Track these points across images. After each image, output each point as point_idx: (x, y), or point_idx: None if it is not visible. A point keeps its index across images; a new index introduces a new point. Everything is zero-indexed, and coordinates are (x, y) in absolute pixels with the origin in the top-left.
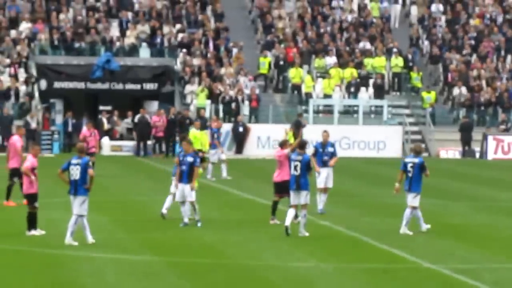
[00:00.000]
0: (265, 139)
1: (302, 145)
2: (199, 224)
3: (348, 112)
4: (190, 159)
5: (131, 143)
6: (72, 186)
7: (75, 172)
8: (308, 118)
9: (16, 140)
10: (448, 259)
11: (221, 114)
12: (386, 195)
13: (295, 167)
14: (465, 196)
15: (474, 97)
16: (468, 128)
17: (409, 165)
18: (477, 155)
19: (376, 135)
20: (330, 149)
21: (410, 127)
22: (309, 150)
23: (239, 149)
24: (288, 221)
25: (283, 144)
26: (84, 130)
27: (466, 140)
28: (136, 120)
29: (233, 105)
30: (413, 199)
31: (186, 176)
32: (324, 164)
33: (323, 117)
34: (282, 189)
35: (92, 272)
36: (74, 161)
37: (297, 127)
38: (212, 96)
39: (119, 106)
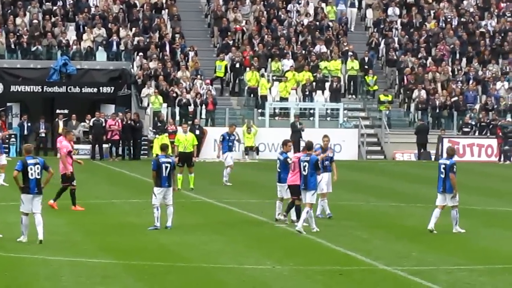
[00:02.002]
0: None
1: (310, 146)
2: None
3: (304, 115)
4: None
5: (87, 146)
6: (34, 185)
7: (36, 172)
8: (264, 122)
9: None
10: (404, 261)
11: (177, 117)
12: (342, 198)
13: (304, 167)
14: (420, 198)
15: (430, 100)
16: (423, 130)
17: (442, 166)
18: (433, 157)
19: (332, 138)
20: (330, 154)
21: (366, 130)
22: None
23: (196, 152)
24: (313, 223)
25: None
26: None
27: (421, 143)
28: (91, 123)
29: (190, 108)
30: (451, 200)
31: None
32: (325, 169)
33: (279, 120)
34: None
35: (49, 275)
36: (31, 161)
37: (293, 131)
38: (168, 99)
39: (76, 109)
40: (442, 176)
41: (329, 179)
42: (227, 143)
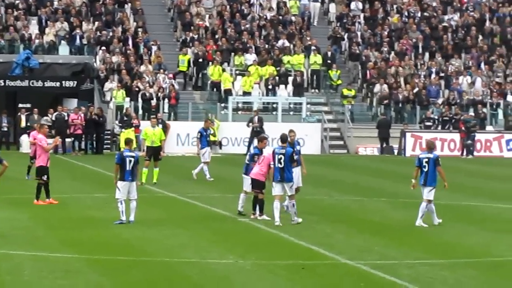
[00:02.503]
0: (185, 136)
1: (284, 139)
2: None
3: (267, 110)
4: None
5: (50, 141)
6: None
7: None
8: (227, 116)
9: None
10: (366, 255)
11: (140, 112)
12: (305, 192)
13: (279, 160)
14: (383, 193)
15: (392, 94)
16: (386, 125)
17: (424, 160)
18: (395, 152)
19: (295, 132)
20: (298, 147)
21: (329, 124)
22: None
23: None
24: (277, 216)
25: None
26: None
27: (384, 137)
28: (54, 117)
29: (153, 102)
30: (428, 193)
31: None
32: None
33: (242, 114)
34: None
35: (11, 269)
36: None
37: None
38: (131, 93)
39: (39, 103)
40: (425, 169)
41: (299, 173)
42: (205, 138)
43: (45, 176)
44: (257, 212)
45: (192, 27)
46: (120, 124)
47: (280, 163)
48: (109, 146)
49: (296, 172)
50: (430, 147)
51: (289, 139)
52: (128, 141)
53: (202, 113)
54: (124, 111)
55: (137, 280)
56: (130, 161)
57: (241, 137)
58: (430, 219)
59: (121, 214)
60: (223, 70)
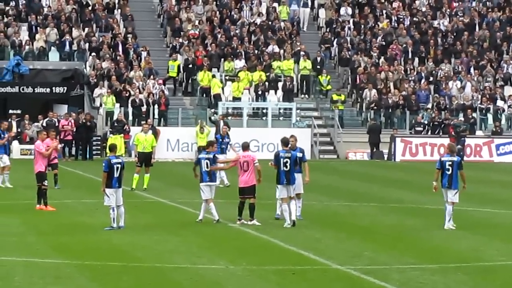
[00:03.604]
0: (175, 142)
1: (286, 142)
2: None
3: (257, 115)
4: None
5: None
6: None
7: None
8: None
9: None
10: (356, 260)
11: (130, 117)
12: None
13: (285, 163)
14: (373, 198)
15: (382, 100)
16: (376, 130)
17: (448, 163)
18: (385, 157)
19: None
20: (299, 155)
21: (318, 129)
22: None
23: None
24: (291, 216)
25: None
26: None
27: (374, 142)
28: (44, 123)
29: (143, 108)
30: (453, 196)
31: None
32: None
33: (232, 119)
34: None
35: (2, 275)
36: None
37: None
38: (121, 99)
39: (29, 109)
40: (448, 172)
41: (300, 180)
42: (219, 146)
43: (46, 181)
44: (243, 218)
45: (181, 33)
46: (111, 130)
47: (286, 167)
48: (99, 152)
49: (299, 178)
50: (453, 150)
51: (290, 144)
52: (112, 147)
53: (192, 118)
54: (116, 117)
55: (127, 286)
56: (117, 168)
57: (231, 143)
58: (418, 224)
59: (112, 221)
60: (213, 76)
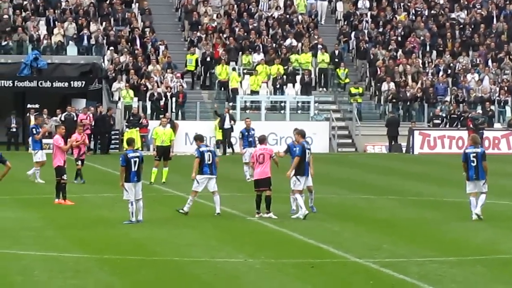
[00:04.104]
0: (193, 135)
1: (304, 134)
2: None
3: (275, 109)
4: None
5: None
6: None
7: None
8: (235, 115)
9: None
10: (375, 253)
11: (148, 111)
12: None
13: (309, 156)
14: (392, 191)
15: (400, 93)
16: (394, 123)
17: (472, 155)
18: (404, 150)
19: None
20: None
21: (337, 122)
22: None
23: (173, 147)
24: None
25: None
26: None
27: (392, 135)
28: (62, 117)
29: (161, 102)
30: (483, 186)
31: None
32: None
33: (250, 113)
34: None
35: (21, 270)
36: None
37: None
38: (139, 93)
39: (47, 104)
40: (474, 164)
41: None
42: (246, 139)
43: (65, 175)
44: (261, 211)
45: (199, 27)
46: (127, 124)
47: (308, 159)
48: (117, 146)
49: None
50: (476, 141)
51: (294, 138)
52: (130, 141)
53: (210, 112)
54: (132, 111)
55: (146, 280)
56: (135, 162)
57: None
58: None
59: (131, 215)
60: (233, 69)
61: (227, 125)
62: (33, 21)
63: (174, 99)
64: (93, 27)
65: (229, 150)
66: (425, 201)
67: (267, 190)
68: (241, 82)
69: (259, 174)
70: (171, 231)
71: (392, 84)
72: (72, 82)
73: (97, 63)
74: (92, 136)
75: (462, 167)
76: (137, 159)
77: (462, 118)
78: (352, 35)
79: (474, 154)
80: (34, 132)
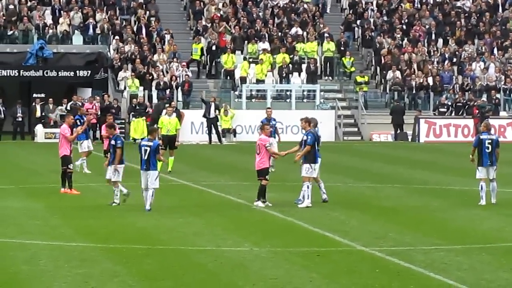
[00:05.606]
0: (199, 124)
1: (315, 123)
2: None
3: (281, 97)
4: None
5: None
6: None
7: None
8: (241, 104)
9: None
10: (381, 242)
11: (154, 100)
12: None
13: (318, 144)
14: (397, 179)
15: (406, 81)
16: (399, 111)
17: (487, 141)
18: (409, 138)
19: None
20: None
21: (342, 111)
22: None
23: (178, 136)
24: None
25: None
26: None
27: (398, 124)
28: (68, 107)
29: (167, 91)
30: (494, 172)
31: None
32: None
33: (256, 102)
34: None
35: (27, 259)
36: None
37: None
38: (145, 82)
39: (53, 93)
40: (488, 150)
41: None
42: None
43: (71, 165)
44: (267, 200)
45: (204, 15)
46: (133, 113)
47: (318, 146)
48: (123, 135)
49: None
50: (489, 128)
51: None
52: (151, 130)
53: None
54: (137, 100)
55: (152, 269)
56: (145, 150)
57: (255, 124)
58: (442, 205)
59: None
60: (244, 59)
61: (212, 114)
62: (39, 11)
63: (179, 88)
64: (98, 16)
65: (215, 141)
66: (431, 189)
67: (262, 180)
68: (246, 71)
69: (257, 164)
70: (177, 220)
71: (397, 73)
72: (77, 72)
73: (102, 53)
74: (98, 125)
75: (471, 152)
76: (148, 148)
77: (467, 107)
78: (358, 23)
79: (490, 141)
80: (79, 123)
